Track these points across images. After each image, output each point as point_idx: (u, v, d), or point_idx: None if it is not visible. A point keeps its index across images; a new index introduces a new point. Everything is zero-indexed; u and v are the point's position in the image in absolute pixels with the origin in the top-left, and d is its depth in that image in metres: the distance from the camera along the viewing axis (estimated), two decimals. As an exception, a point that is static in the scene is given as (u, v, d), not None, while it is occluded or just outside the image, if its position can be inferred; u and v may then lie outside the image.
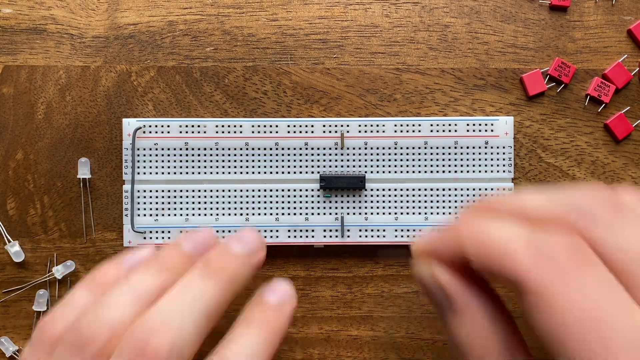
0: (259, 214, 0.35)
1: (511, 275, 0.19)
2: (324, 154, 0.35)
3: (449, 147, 0.35)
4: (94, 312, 0.25)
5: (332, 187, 0.35)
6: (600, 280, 0.18)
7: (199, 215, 0.35)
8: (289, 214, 0.35)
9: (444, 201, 0.35)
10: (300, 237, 0.35)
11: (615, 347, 0.17)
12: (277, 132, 0.35)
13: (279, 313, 0.27)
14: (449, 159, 0.35)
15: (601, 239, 0.19)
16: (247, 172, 0.35)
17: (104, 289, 0.27)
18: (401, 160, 0.35)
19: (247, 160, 0.35)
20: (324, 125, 0.35)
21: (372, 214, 0.35)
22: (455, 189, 0.35)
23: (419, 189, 0.35)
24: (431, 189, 0.35)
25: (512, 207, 0.22)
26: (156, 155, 0.35)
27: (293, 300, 0.28)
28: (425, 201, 0.35)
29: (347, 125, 0.35)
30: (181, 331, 0.23)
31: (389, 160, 0.35)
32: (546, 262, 0.18)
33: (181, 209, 0.35)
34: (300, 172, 0.35)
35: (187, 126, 0.35)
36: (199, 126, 0.35)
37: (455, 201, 0.35)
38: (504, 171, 0.35)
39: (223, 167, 0.35)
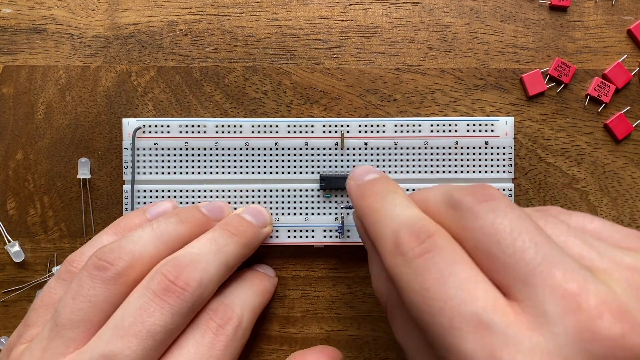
0: (259, 214, 0.35)
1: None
2: (324, 154, 0.35)
3: (449, 148, 0.35)
4: (117, 242, 0.28)
5: (332, 187, 0.35)
6: (437, 271, 0.22)
7: (199, 215, 0.35)
8: (289, 214, 0.35)
9: (444, 201, 0.35)
10: (300, 237, 0.35)
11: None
12: (277, 132, 0.35)
13: (267, 279, 0.35)
14: (449, 159, 0.35)
15: (465, 227, 0.23)
16: (247, 172, 0.35)
17: (128, 233, 0.30)
18: (401, 160, 0.35)
19: (247, 160, 0.35)
20: (324, 125, 0.35)
21: (372, 214, 0.35)
22: (455, 189, 0.35)
23: (419, 189, 0.35)
24: (431, 189, 0.35)
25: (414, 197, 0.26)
26: (156, 155, 0.35)
27: (275, 278, 0.36)
28: (425, 201, 0.35)
29: (347, 125, 0.35)
30: (206, 272, 0.28)
31: (389, 160, 0.35)
32: (401, 262, 0.23)
33: (181, 209, 0.35)
34: (300, 172, 0.35)
35: (187, 126, 0.35)
36: (199, 126, 0.35)
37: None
38: (504, 171, 0.35)
39: (223, 167, 0.35)
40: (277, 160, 0.35)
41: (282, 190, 0.35)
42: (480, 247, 0.22)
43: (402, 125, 0.35)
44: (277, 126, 0.35)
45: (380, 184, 0.27)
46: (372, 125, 0.35)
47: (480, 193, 0.23)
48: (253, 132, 0.35)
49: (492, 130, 0.35)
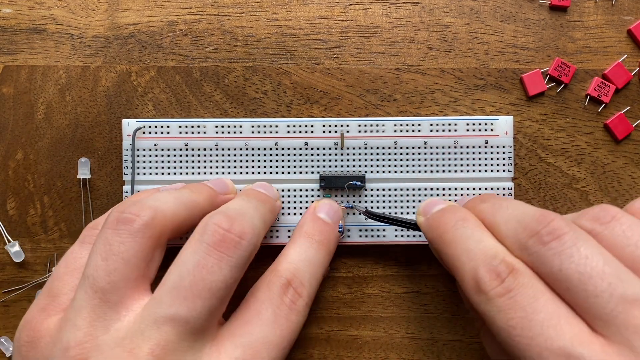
0: (259, 214, 0.35)
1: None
2: (324, 154, 0.35)
3: (449, 147, 0.35)
4: (137, 199, 0.28)
5: (332, 187, 0.35)
6: (521, 309, 0.23)
7: (199, 215, 0.35)
8: (289, 214, 0.35)
9: (444, 201, 0.35)
10: (300, 237, 0.35)
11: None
12: (277, 132, 0.35)
13: (332, 230, 0.33)
14: (449, 159, 0.35)
15: (537, 270, 0.24)
16: (247, 172, 0.35)
17: None
18: (401, 160, 0.35)
19: (247, 160, 0.35)
20: (324, 125, 0.35)
21: (372, 214, 0.35)
22: (455, 189, 0.35)
23: (419, 189, 0.35)
24: (431, 189, 0.35)
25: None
26: (156, 155, 0.35)
27: (337, 227, 0.34)
28: (425, 201, 0.35)
29: (347, 125, 0.35)
30: (253, 224, 0.27)
31: (389, 160, 0.35)
32: (485, 300, 0.24)
33: (181, 209, 0.35)
34: (300, 172, 0.35)
35: (187, 126, 0.35)
36: (198, 126, 0.35)
37: (455, 201, 0.35)
38: (504, 171, 0.35)
39: (223, 167, 0.35)
40: (277, 160, 0.35)
41: (282, 190, 0.35)
42: (556, 288, 0.22)
43: (402, 125, 0.35)
44: (277, 126, 0.35)
45: (448, 214, 0.28)
46: (372, 125, 0.35)
47: (546, 234, 0.23)
48: (253, 132, 0.35)
49: (492, 130, 0.35)
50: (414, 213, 0.35)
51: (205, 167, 0.35)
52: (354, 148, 0.35)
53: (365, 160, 0.35)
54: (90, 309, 0.24)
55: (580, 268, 0.22)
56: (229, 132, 0.35)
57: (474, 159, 0.35)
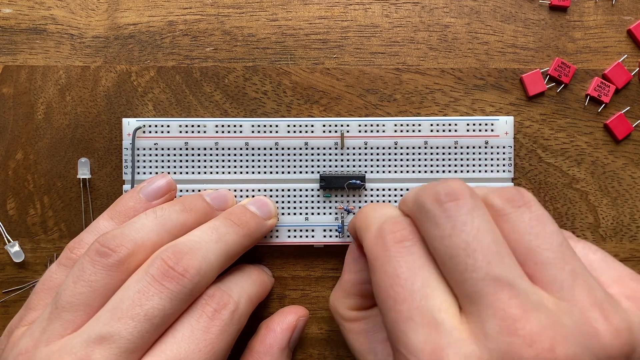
0: (259, 214, 0.35)
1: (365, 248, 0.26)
2: (324, 154, 0.35)
3: (449, 147, 0.35)
4: (120, 230, 0.28)
5: (332, 187, 0.35)
6: (410, 261, 0.23)
7: (199, 215, 0.35)
8: (289, 214, 0.35)
9: (444, 201, 0.35)
10: (300, 237, 0.35)
11: (399, 298, 0.22)
12: (277, 132, 0.35)
13: (265, 274, 0.34)
14: (449, 159, 0.35)
15: (427, 232, 0.24)
16: (247, 172, 0.35)
17: (126, 217, 0.31)
18: (401, 160, 0.35)
19: (247, 160, 0.35)
20: (324, 125, 0.35)
21: (372, 214, 0.35)
22: (455, 189, 0.35)
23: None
24: (431, 189, 0.35)
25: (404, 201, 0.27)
26: (156, 155, 0.35)
27: (272, 278, 0.35)
28: (425, 201, 0.35)
29: (347, 125, 0.35)
30: (206, 259, 0.28)
31: (389, 160, 0.35)
32: (380, 244, 0.24)
33: (181, 209, 0.35)
34: (300, 172, 0.35)
35: (187, 126, 0.35)
36: (199, 126, 0.35)
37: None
38: (504, 171, 0.35)
39: (223, 167, 0.35)
40: (277, 160, 0.35)
41: (282, 190, 0.35)
42: (438, 255, 0.23)
43: (402, 125, 0.35)
44: (277, 126, 0.35)
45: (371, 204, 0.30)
46: (372, 125, 0.35)
47: (444, 194, 0.23)
48: (253, 132, 0.35)
49: (492, 130, 0.35)
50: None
51: (205, 167, 0.35)
52: (354, 148, 0.35)
53: (366, 160, 0.35)
54: (47, 323, 0.26)
55: (468, 238, 0.22)
56: (229, 132, 0.35)
57: (474, 160, 0.35)
